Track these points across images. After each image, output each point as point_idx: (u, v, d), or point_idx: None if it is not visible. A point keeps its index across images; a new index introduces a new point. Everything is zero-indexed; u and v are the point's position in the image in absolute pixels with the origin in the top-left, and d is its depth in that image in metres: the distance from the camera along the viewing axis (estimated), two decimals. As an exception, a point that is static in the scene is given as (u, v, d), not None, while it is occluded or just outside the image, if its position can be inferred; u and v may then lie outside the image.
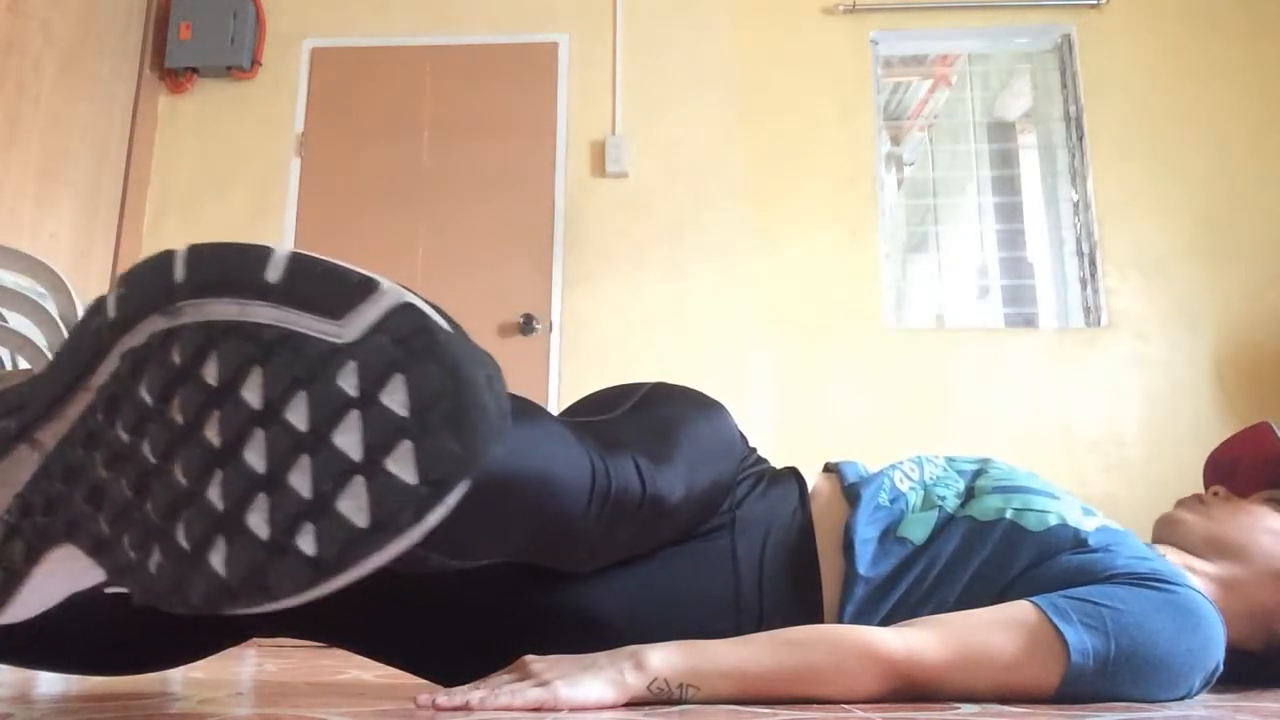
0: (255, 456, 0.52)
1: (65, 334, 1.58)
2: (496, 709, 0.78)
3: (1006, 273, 3.76)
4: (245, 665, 1.57)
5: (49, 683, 1.12)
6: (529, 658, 0.86)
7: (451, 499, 0.49)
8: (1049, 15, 3.70)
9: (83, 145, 3.34)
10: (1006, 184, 3.83)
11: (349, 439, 0.50)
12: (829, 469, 1.16)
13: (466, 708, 0.78)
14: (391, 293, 0.52)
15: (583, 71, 3.70)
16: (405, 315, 0.51)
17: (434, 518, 0.49)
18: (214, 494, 0.52)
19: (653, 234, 3.55)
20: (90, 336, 0.59)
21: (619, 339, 3.45)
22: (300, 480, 0.50)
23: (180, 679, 1.15)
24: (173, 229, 3.65)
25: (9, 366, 1.85)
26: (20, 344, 1.60)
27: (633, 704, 0.83)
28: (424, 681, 1.05)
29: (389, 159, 3.66)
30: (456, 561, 0.85)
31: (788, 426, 3.30)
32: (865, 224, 3.52)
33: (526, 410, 0.83)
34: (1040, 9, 3.70)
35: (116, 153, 3.54)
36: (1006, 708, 0.85)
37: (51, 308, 1.61)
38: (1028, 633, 0.90)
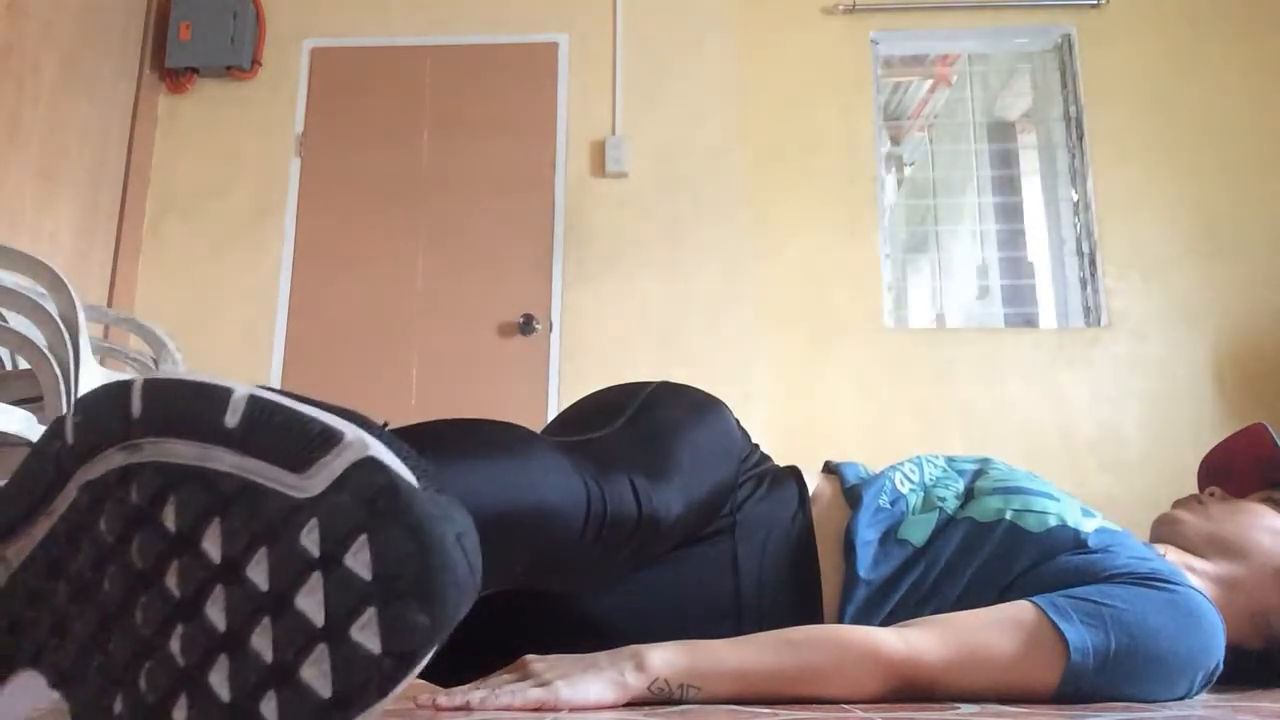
0: (216, 614, 0.49)
1: (65, 335, 1.58)
2: (497, 709, 0.78)
3: (1006, 273, 3.76)
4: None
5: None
6: (529, 657, 0.86)
7: (418, 668, 0.48)
8: (1049, 15, 3.70)
9: (83, 145, 3.34)
10: (1006, 184, 3.83)
11: (311, 603, 0.47)
12: (829, 469, 1.16)
13: (467, 708, 0.78)
14: (355, 444, 0.49)
15: (583, 71, 3.70)
16: (369, 470, 0.49)
17: (399, 688, 0.47)
18: (175, 648, 0.50)
19: (653, 234, 3.54)
20: (49, 461, 0.56)
21: (619, 339, 3.45)
22: (262, 643, 0.48)
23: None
24: (173, 229, 3.65)
25: (9, 367, 1.85)
26: (20, 344, 1.60)
27: (633, 704, 0.83)
28: (424, 681, 1.05)
29: (389, 159, 3.66)
30: None
31: (788, 426, 3.30)
32: (865, 224, 3.52)
33: (518, 441, 0.83)
34: (1040, 9, 3.70)
35: (116, 153, 3.54)
36: (1006, 708, 0.85)
37: (51, 308, 1.61)
38: (1027, 631, 0.90)
